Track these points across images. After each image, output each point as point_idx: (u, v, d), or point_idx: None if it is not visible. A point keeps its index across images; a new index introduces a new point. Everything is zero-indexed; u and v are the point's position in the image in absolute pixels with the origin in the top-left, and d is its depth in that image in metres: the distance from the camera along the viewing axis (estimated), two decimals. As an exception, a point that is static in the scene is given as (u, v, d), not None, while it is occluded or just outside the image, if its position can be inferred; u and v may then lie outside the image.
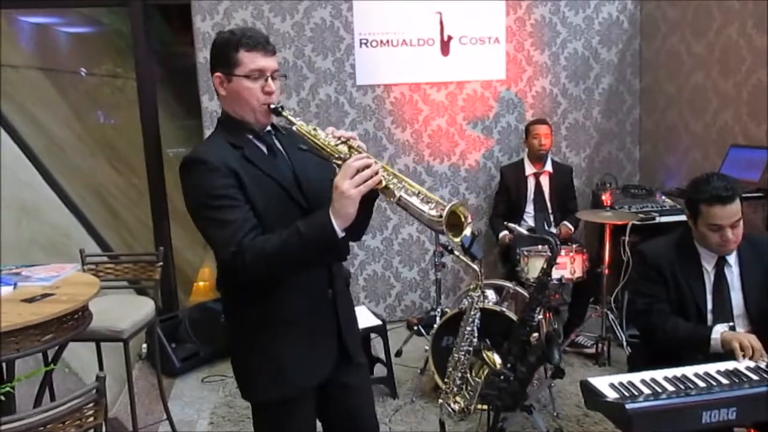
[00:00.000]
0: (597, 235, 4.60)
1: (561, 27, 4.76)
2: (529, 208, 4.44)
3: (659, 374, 2.04)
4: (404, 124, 4.66)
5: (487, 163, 4.83)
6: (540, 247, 3.76)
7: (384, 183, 1.63)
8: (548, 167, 4.44)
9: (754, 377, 2.01)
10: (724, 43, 4.03)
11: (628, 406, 1.74)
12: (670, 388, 1.95)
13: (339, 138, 1.71)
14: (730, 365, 2.08)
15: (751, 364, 2.10)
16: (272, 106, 1.77)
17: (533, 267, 3.70)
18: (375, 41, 4.51)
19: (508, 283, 3.75)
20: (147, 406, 3.57)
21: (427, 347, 3.58)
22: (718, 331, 2.25)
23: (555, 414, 3.35)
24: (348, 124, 4.56)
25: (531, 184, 4.44)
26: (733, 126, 4.02)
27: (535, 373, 3.31)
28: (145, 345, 4.12)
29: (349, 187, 1.58)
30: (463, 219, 1.60)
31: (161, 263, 3.11)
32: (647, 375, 2.03)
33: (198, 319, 4.22)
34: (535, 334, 3.16)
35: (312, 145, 1.72)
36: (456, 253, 2.77)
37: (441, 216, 1.55)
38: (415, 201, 1.61)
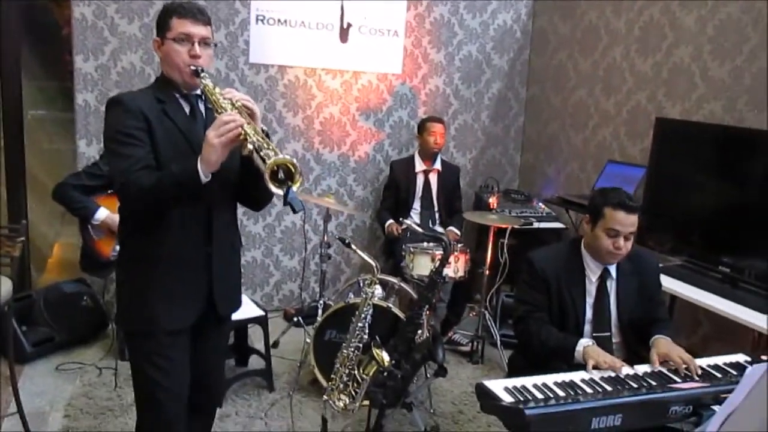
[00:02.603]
0: (477, 237, 4.72)
1: (458, 28, 4.82)
2: (416, 205, 4.46)
3: (548, 379, 2.08)
4: (296, 108, 4.50)
5: (376, 156, 4.79)
6: (426, 244, 3.77)
7: (242, 136, 1.79)
8: (437, 165, 4.48)
9: (634, 384, 2.11)
10: (609, 64, 4.27)
11: (527, 412, 1.75)
12: (561, 393, 1.99)
13: (228, 98, 1.90)
14: (612, 372, 2.17)
15: (630, 371, 2.20)
16: (193, 68, 1.94)
17: (418, 264, 3.72)
18: (272, 19, 4.31)
19: (393, 279, 3.73)
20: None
21: (308, 339, 3.48)
22: (582, 344, 2.32)
23: (432, 411, 3.38)
24: (237, 103, 4.33)
25: (420, 180, 4.46)
26: (611, 142, 4.26)
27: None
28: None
29: (213, 136, 1.78)
30: (293, 174, 1.74)
31: (23, 238, 2.77)
32: (538, 380, 2.07)
33: (55, 300, 3.83)
34: (419, 332, 3.16)
35: (212, 102, 1.92)
36: (353, 247, 2.69)
37: (270, 163, 1.69)
38: (261, 153, 1.75)
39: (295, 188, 1.75)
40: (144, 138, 1.90)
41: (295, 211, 1.76)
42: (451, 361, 4.04)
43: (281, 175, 1.74)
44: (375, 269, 2.58)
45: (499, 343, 4.04)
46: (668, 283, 3.14)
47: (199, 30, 1.97)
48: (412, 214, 4.43)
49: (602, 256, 2.47)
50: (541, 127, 4.99)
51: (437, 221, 4.47)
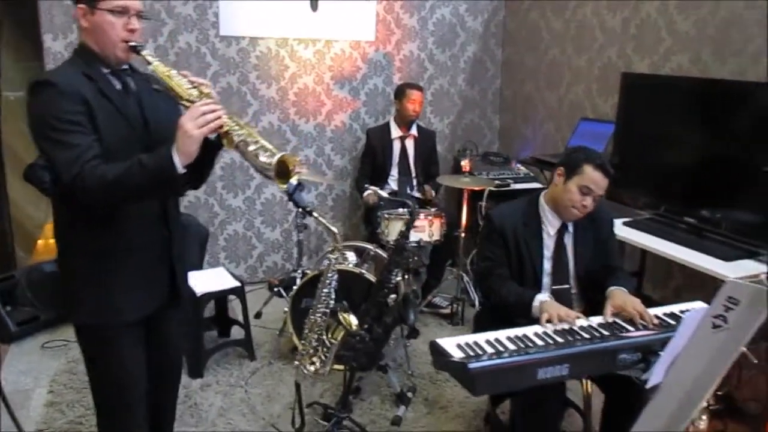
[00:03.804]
0: (456, 200, 4.75)
1: (430, -9, 4.79)
2: (394, 172, 4.48)
3: (502, 334, 2.13)
4: (270, 80, 4.50)
5: (353, 125, 4.80)
6: (401, 210, 3.81)
7: (226, 128, 1.75)
8: (413, 131, 4.49)
9: (586, 336, 2.15)
10: (580, 21, 4.24)
11: (470, 366, 1.80)
12: (512, 347, 2.04)
13: (192, 82, 1.83)
14: (566, 325, 2.22)
15: (584, 322, 2.24)
16: (132, 44, 1.83)
17: (393, 230, 3.75)
18: (241, -10, 4.29)
19: (368, 245, 3.77)
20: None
21: (286, 309, 3.54)
22: (539, 299, 2.36)
23: (410, 373, 3.45)
24: (210, 77, 4.33)
25: (396, 147, 4.47)
26: (584, 100, 4.26)
27: (392, 334, 3.40)
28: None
29: (192, 127, 1.69)
30: (291, 168, 1.74)
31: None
32: (492, 335, 2.12)
33: (38, 280, 3.89)
34: (393, 296, 3.21)
35: (166, 86, 1.82)
36: (315, 214, 2.72)
37: (271, 163, 1.68)
38: (251, 148, 1.73)
39: (294, 181, 1.75)
40: (86, 123, 1.76)
41: (298, 206, 1.83)
42: (432, 324, 4.11)
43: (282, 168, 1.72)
44: (336, 236, 2.61)
45: (477, 304, 4.09)
46: (637, 236, 3.17)
47: (135, 2, 1.84)
48: (389, 180, 4.46)
49: (565, 210, 2.49)
50: (517, 88, 4.98)
51: (414, 187, 4.49)
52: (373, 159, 4.50)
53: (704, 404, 2.83)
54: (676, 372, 1.91)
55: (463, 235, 4.04)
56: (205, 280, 3.51)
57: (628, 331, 2.20)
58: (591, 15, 4.13)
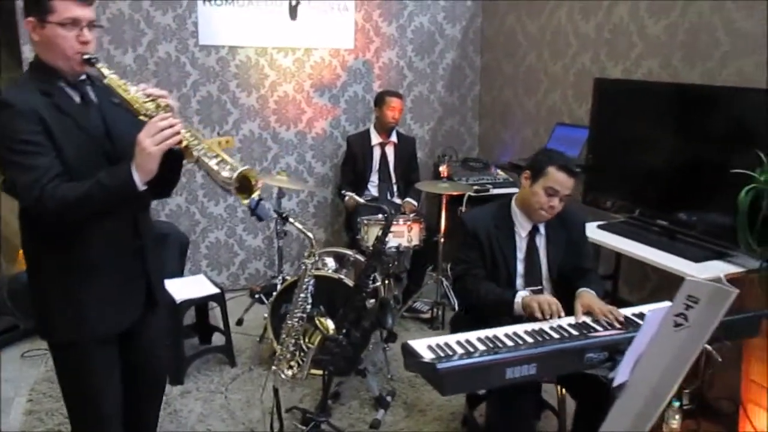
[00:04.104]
0: (436, 206, 4.79)
1: (408, 0, 4.83)
2: (374, 178, 4.52)
3: (473, 335, 2.17)
4: (250, 88, 4.53)
5: (334, 132, 4.84)
6: (380, 216, 3.84)
7: (185, 143, 1.74)
8: (393, 138, 4.53)
9: (555, 336, 2.20)
10: (555, 27, 4.31)
11: (438, 366, 1.83)
12: (482, 347, 2.08)
13: (149, 95, 1.79)
14: (536, 326, 2.26)
15: (554, 323, 2.29)
16: (86, 56, 1.79)
17: (372, 235, 3.78)
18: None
19: (348, 251, 3.81)
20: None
21: (266, 315, 3.56)
22: (521, 295, 2.43)
23: (389, 377, 3.47)
24: (190, 86, 4.37)
25: (377, 154, 4.52)
26: (561, 105, 4.32)
27: (372, 338, 3.43)
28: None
29: (150, 144, 1.68)
30: (253, 183, 1.73)
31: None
32: (463, 336, 2.16)
33: (19, 289, 3.88)
34: (372, 300, 3.25)
35: (122, 99, 1.79)
36: (291, 219, 2.76)
37: (232, 178, 1.68)
38: (212, 163, 1.72)
39: (255, 196, 1.75)
40: (45, 142, 1.71)
41: (260, 220, 1.79)
42: (413, 328, 4.14)
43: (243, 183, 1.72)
44: (312, 242, 2.65)
45: (457, 308, 4.12)
46: (611, 239, 3.23)
47: (86, 12, 1.77)
48: (369, 187, 4.50)
49: (534, 212, 2.55)
50: (496, 94, 5.04)
51: (395, 193, 4.54)
52: (353, 166, 4.54)
53: (677, 404, 2.90)
54: (641, 370, 1.95)
55: (442, 240, 4.08)
56: (184, 288, 3.52)
57: (596, 331, 2.25)
58: (565, 20, 4.20)
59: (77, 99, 1.85)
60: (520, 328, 2.23)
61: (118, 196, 1.72)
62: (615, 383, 1.96)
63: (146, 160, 1.68)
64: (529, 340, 2.16)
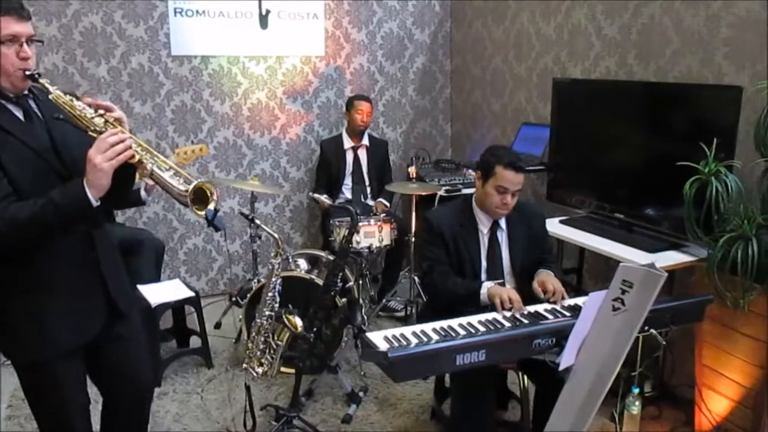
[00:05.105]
0: (408, 206, 4.89)
1: (377, 7, 4.94)
2: (348, 181, 4.62)
3: (429, 326, 2.27)
4: (223, 96, 4.63)
5: (307, 137, 4.93)
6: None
7: (137, 158, 1.74)
8: (365, 141, 4.64)
9: (507, 324, 2.30)
10: (518, 30, 4.43)
11: (390, 354, 1.92)
12: (435, 337, 2.18)
13: (96, 109, 1.77)
14: (490, 316, 2.37)
15: (513, 313, 2.40)
16: (28, 72, 1.77)
17: (342, 236, 3.88)
18: (190, 11, 4.41)
19: (321, 253, 3.90)
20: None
21: (240, 317, 3.65)
22: (486, 286, 2.55)
23: (362, 373, 3.57)
24: (164, 95, 4.45)
25: (349, 157, 4.62)
26: (526, 106, 4.44)
27: (345, 336, 3.53)
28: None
29: (102, 160, 1.67)
30: (209, 194, 1.74)
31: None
32: (418, 327, 2.25)
33: None
34: (344, 299, 3.34)
35: (68, 114, 1.77)
36: (257, 221, 2.85)
37: (187, 191, 1.69)
38: (166, 176, 1.73)
39: (211, 207, 1.74)
40: None
41: (217, 230, 1.76)
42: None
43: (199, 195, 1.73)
44: (278, 242, 2.74)
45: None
46: (572, 233, 3.34)
47: (25, 28, 1.74)
48: (343, 189, 4.60)
49: (491, 210, 2.67)
50: (466, 96, 5.15)
51: (368, 195, 4.64)
52: (328, 169, 4.64)
53: (637, 390, 2.99)
54: (585, 355, 2.06)
55: (413, 239, 4.18)
56: (160, 292, 3.60)
57: (546, 319, 2.35)
58: (527, 23, 4.32)
59: (20, 115, 1.81)
60: (474, 319, 2.33)
61: (72, 213, 1.72)
62: (560, 367, 2.07)
63: (98, 176, 1.68)
64: (482, 329, 2.26)
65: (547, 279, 2.53)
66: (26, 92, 1.84)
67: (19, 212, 1.69)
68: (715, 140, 2.63)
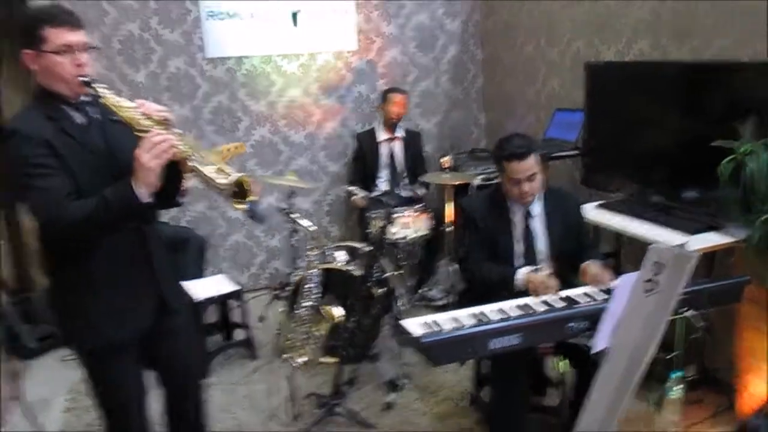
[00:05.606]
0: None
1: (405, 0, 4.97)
2: (382, 173, 4.68)
3: (464, 312, 2.30)
4: (258, 95, 4.73)
5: (343, 131, 5.00)
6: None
7: (181, 155, 1.81)
8: (399, 133, 4.68)
9: (541, 309, 2.32)
10: (549, 15, 4.40)
11: (423, 340, 1.98)
12: (469, 322, 2.22)
13: (144, 112, 1.87)
14: (523, 301, 2.39)
15: (548, 298, 2.42)
16: (83, 79, 1.87)
17: (378, 228, 3.93)
18: (222, 14, 4.52)
19: (359, 245, 3.96)
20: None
21: (282, 309, 3.74)
22: (522, 272, 2.57)
23: (403, 362, 3.62)
24: (201, 97, 4.58)
25: (384, 150, 4.67)
26: (559, 91, 4.42)
27: (384, 325, 3.59)
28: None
29: (148, 159, 1.76)
30: (247, 188, 1.78)
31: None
32: (454, 314, 2.30)
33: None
34: (384, 289, 3.40)
35: (119, 117, 1.87)
36: (292, 216, 2.94)
37: (228, 184, 1.74)
38: (207, 170, 1.79)
39: (252, 200, 1.78)
40: (54, 164, 1.82)
41: (260, 222, 1.86)
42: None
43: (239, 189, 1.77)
44: (311, 235, 2.82)
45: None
46: (608, 218, 3.31)
47: (77, 37, 1.86)
48: (378, 182, 4.65)
49: (516, 199, 2.69)
50: (498, 85, 5.15)
51: (404, 187, 4.68)
52: (363, 162, 4.71)
53: (680, 374, 2.97)
54: (619, 337, 2.07)
55: (449, 229, 4.21)
56: (204, 287, 3.72)
57: (579, 303, 2.36)
58: (559, 8, 4.29)
59: (80, 120, 1.94)
60: (507, 305, 2.36)
61: (124, 210, 1.80)
62: (594, 350, 2.09)
63: (145, 174, 1.77)
64: (515, 313, 2.28)
65: (597, 271, 2.52)
66: (86, 97, 1.94)
67: (77, 210, 1.80)
68: (752, 119, 2.59)
